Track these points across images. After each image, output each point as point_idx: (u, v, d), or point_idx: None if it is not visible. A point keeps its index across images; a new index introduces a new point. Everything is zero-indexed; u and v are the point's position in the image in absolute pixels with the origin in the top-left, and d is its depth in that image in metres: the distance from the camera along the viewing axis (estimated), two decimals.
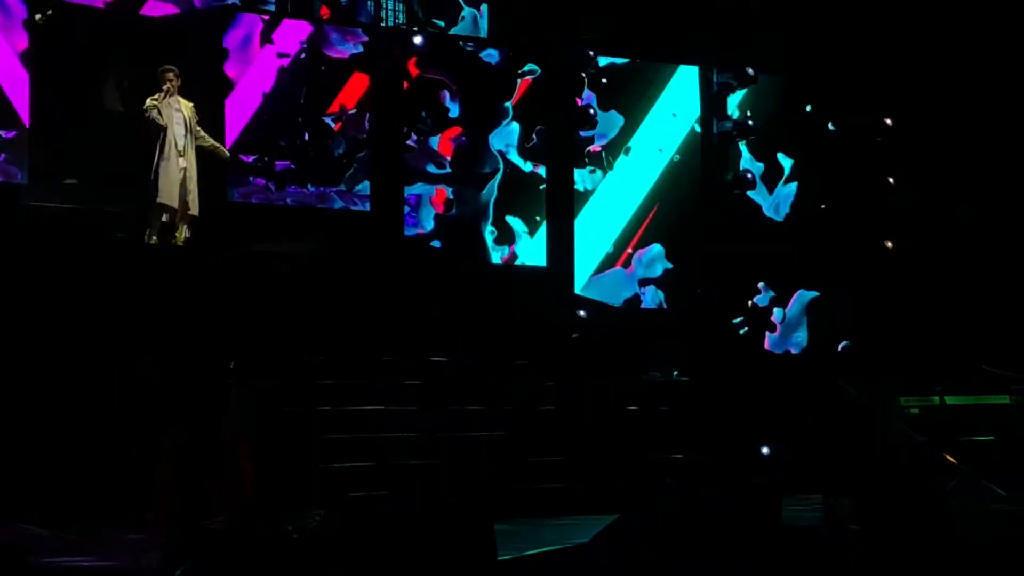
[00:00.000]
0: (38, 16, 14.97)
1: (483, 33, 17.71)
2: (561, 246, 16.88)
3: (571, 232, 16.93)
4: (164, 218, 13.91)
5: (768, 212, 19.05)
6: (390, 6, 17.17)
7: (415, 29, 17.03)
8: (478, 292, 15.46)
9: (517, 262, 17.68)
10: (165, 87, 13.91)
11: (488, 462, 12.91)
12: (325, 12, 16.88)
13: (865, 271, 18.95)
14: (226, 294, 12.50)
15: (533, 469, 13.10)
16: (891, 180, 19.11)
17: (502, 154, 17.53)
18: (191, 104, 14.13)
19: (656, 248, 18.42)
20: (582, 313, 16.10)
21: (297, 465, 11.77)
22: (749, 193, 18.57)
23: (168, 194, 13.84)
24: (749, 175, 18.07)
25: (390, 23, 17.14)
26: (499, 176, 17.53)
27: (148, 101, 13.93)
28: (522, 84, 17.74)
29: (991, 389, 14.86)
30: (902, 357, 17.10)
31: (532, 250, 17.81)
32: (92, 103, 15.44)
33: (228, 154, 14.73)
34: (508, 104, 17.48)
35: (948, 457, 14.03)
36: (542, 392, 14.03)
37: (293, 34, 16.86)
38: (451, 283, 15.44)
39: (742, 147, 18.70)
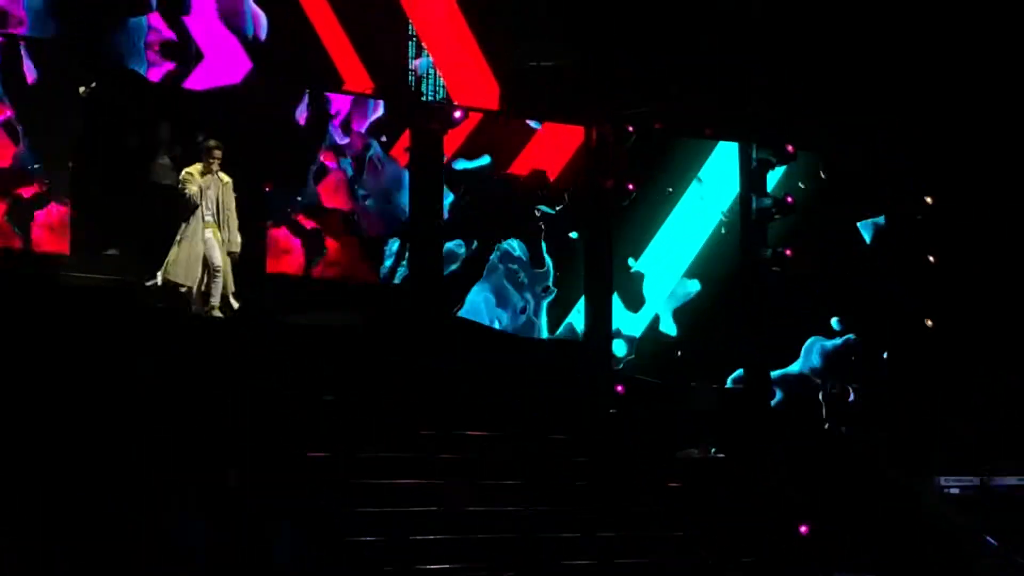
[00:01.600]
0: (82, 89, 15.16)
1: None
2: (599, 320, 16.85)
3: (609, 306, 16.93)
4: (182, 290, 13.79)
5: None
6: (430, 83, 17.37)
7: (454, 104, 17.21)
8: (516, 365, 15.41)
9: (557, 334, 17.70)
10: (212, 163, 13.83)
11: (522, 537, 12.83)
12: (369, 87, 17.07)
13: (906, 349, 18.82)
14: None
15: (567, 545, 12.99)
16: (931, 259, 19.02)
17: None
18: (229, 180, 14.02)
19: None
20: (619, 388, 16.04)
21: (327, 537, 11.73)
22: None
23: (184, 270, 13.75)
24: (788, 252, 17.87)
25: (429, 98, 17.32)
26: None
27: (184, 173, 13.89)
28: (564, 157, 17.89)
29: None
30: (943, 435, 16.94)
31: (573, 323, 17.84)
32: (136, 174, 15.60)
33: (238, 250, 14.07)
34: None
35: (988, 538, 13.86)
36: (578, 468, 13.95)
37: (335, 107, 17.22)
38: (487, 356, 15.44)
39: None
